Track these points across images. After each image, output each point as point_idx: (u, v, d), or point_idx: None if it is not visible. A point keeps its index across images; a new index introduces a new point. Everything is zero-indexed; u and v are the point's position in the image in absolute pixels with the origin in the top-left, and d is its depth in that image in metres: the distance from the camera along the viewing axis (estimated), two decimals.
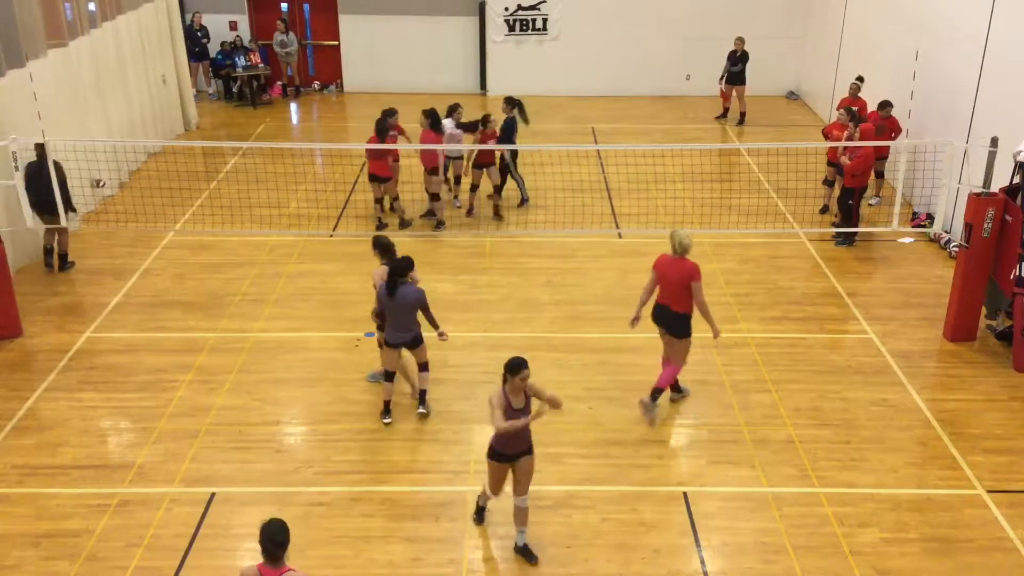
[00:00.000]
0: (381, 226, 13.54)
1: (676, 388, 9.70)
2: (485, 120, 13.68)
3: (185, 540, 7.69)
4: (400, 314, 8.89)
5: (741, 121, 18.99)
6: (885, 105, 13.94)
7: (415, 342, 9.12)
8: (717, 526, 7.90)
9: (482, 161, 13.79)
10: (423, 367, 9.33)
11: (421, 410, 9.36)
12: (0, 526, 7.83)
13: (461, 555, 7.58)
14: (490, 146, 13.55)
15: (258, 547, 7.61)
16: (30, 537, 7.71)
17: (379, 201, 13.77)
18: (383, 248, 9.26)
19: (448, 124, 13.77)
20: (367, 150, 13.33)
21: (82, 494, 8.22)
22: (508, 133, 13.98)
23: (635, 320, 9.33)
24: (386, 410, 9.28)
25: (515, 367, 7.06)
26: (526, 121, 14.52)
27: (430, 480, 8.46)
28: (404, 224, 13.71)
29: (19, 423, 9.22)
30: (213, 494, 8.23)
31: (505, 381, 7.16)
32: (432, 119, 13.33)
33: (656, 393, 9.28)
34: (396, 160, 13.75)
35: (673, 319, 9.13)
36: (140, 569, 7.39)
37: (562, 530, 7.82)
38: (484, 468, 8.54)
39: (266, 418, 9.37)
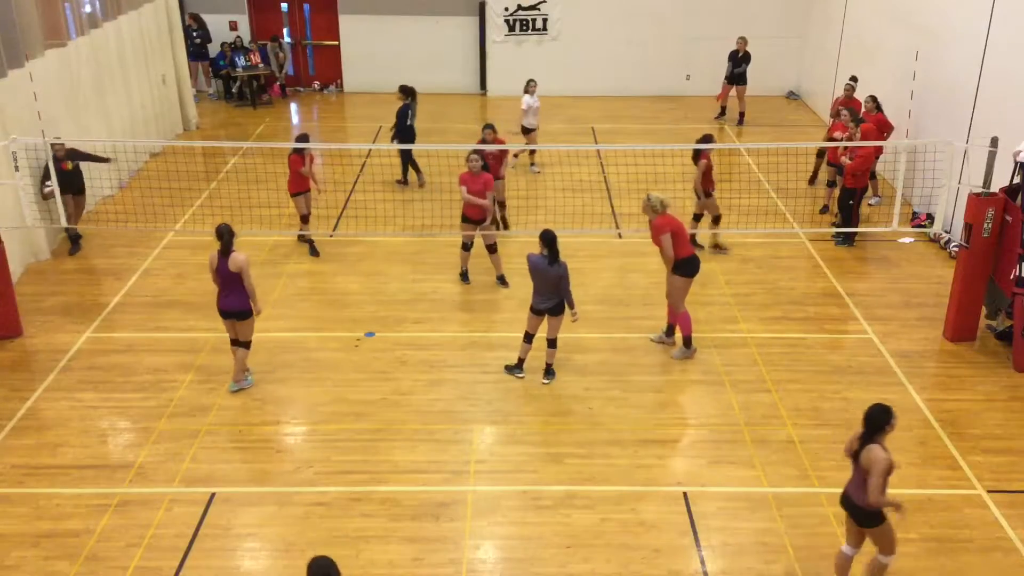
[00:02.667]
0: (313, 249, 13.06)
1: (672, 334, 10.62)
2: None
3: (185, 540, 7.69)
4: (548, 283, 9.45)
5: (740, 121, 18.99)
6: (872, 100, 14.07)
7: (558, 308, 9.59)
8: (717, 526, 7.90)
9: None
10: (552, 343, 9.83)
11: (544, 381, 9.92)
12: (0, 526, 7.84)
13: (461, 555, 7.58)
14: (504, 145, 13.34)
15: (259, 548, 7.65)
16: (30, 537, 7.71)
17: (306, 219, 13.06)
18: (219, 234, 9.27)
19: (531, 99, 15.56)
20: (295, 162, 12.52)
21: (82, 494, 8.22)
22: (401, 121, 14.85)
23: None
24: (519, 366, 10.01)
25: (891, 414, 6.58)
26: (412, 112, 15.18)
27: (430, 480, 8.45)
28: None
29: (19, 423, 9.22)
30: (213, 494, 8.23)
31: (879, 434, 6.56)
32: (484, 159, 11.91)
33: (689, 339, 10.43)
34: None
35: None
36: (140, 569, 7.39)
37: (562, 530, 7.82)
38: (484, 468, 8.59)
39: (266, 418, 9.37)
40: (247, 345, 9.64)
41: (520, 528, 7.86)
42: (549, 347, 9.85)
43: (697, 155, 12.69)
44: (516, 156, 16.12)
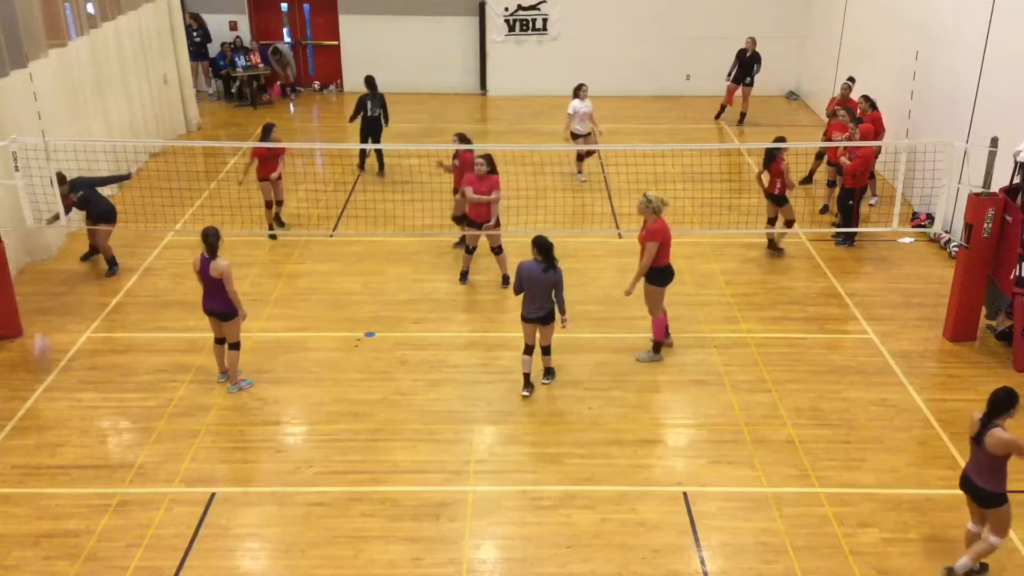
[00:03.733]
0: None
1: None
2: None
3: (185, 540, 7.69)
4: (542, 290, 9.30)
5: (740, 121, 18.98)
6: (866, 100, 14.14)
7: (549, 317, 9.47)
8: (717, 526, 7.90)
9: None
10: (547, 350, 9.72)
11: (545, 381, 9.85)
12: (0, 526, 7.84)
13: (461, 555, 7.58)
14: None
15: (259, 548, 7.65)
16: (30, 537, 7.71)
17: (270, 205, 13.57)
18: (204, 237, 9.30)
19: (578, 104, 15.44)
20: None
21: (82, 494, 8.22)
22: (359, 110, 15.62)
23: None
24: (526, 383, 9.72)
25: (1017, 397, 6.86)
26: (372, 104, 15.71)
27: (430, 480, 8.46)
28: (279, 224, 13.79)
29: (19, 423, 9.22)
30: (213, 494, 8.23)
31: (1002, 417, 6.84)
32: (490, 163, 11.65)
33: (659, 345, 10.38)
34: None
35: None
36: (140, 569, 7.40)
37: (562, 530, 7.82)
38: (484, 468, 8.59)
39: (266, 418, 9.37)
40: (236, 346, 9.66)
41: (520, 528, 7.86)
42: (544, 354, 9.76)
43: (771, 159, 12.39)
44: (581, 171, 16.11)
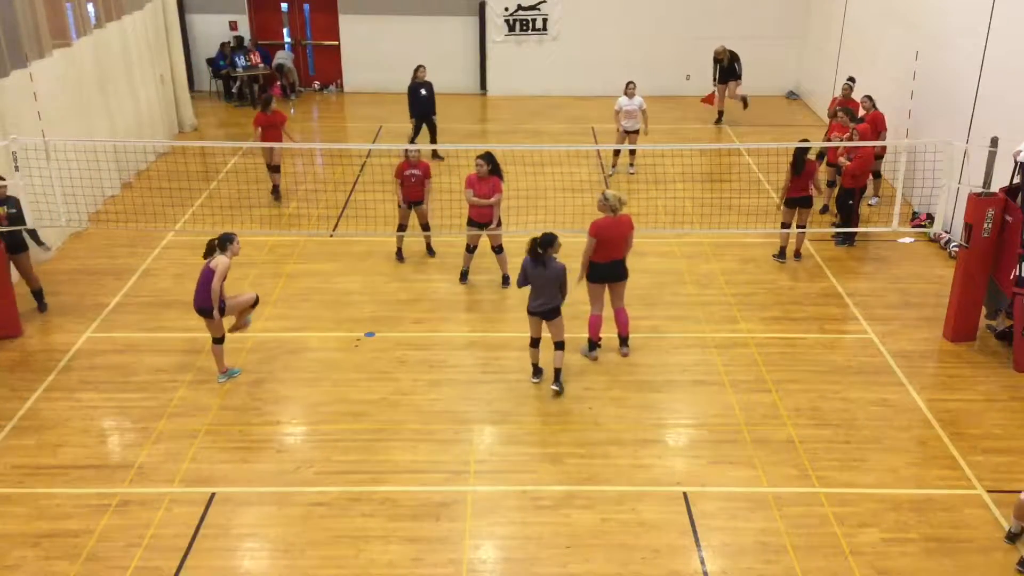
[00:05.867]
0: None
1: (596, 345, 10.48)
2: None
3: (185, 540, 7.69)
4: (544, 285, 9.35)
5: (743, 108, 18.92)
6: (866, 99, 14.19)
7: (553, 312, 9.48)
8: (717, 526, 7.90)
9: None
10: (558, 345, 9.63)
11: (554, 387, 9.67)
12: (0, 526, 7.84)
13: (461, 555, 7.58)
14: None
15: (259, 548, 7.65)
16: (30, 537, 7.71)
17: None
18: (221, 241, 9.74)
19: (624, 101, 15.78)
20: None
21: (82, 494, 8.22)
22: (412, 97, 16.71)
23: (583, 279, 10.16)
24: (534, 372, 9.89)
25: None
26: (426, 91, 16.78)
27: (430, 480, 8.45)
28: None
29: (19, 423, 9.22)
30: (213, 494, 8.23)
31: None
32: (491, 163, 11.65)
33: (625, 339, 10.47)
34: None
35: (624, 267, 10.22)
36: (140, 569, 7.39)
37: (562, 530, 7.82)
38: (484, 468, 8.59)
39: (266, 418, 9.37)
40: (217, 341, 9.86)
41: (520, 528, 7.86)
42: (556, 349, 9.69)
43: (803, 163, 12.12)
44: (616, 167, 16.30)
